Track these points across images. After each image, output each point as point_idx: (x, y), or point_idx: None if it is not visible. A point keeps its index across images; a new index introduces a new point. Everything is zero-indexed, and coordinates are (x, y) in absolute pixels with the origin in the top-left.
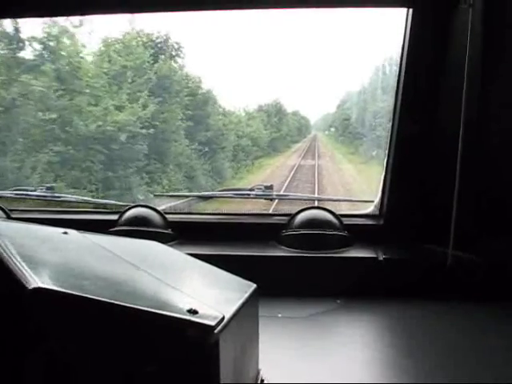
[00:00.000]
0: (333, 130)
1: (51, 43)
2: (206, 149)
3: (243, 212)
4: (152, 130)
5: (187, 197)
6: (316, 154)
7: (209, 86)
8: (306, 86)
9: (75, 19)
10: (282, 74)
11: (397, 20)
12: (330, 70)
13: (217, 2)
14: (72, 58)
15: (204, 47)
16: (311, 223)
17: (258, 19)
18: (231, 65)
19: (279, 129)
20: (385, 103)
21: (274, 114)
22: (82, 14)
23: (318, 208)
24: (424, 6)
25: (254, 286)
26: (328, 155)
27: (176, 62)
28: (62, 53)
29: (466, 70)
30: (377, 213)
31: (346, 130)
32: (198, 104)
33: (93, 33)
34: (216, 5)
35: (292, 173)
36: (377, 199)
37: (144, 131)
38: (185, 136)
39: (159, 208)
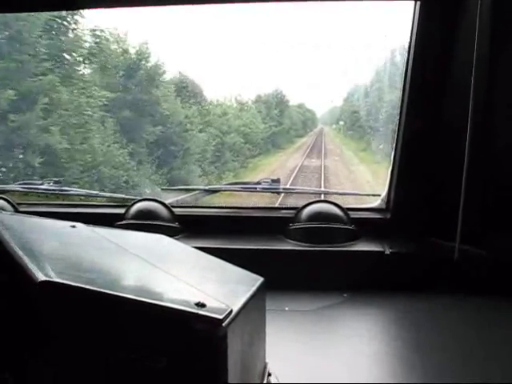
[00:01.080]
0: (342, 123)
1: None
2: (160, 152)
3: (250, 205)
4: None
5: (194, 190)
6: (322, 152)
7: (158, 58)
8: (311, 77)
9: None
10: (286, 64)
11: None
12: (338, 61)
13: None
14: None
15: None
16: (318, 217)
17: (262, 7)
18: (221, 50)
19: (281, 122)
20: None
21: (275, 105)
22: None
23: (324, 202)
24: None
25: (262, 279)
26: (336, 153)
27: None
28: None
29: (474, 63)
30: (384, 207)
31: (355, 123)
32: (141, 84)
33: None
34: None
35: (291, 179)
36: (384, 193)
37: None
38: (114, 133)
39: (166, 201)
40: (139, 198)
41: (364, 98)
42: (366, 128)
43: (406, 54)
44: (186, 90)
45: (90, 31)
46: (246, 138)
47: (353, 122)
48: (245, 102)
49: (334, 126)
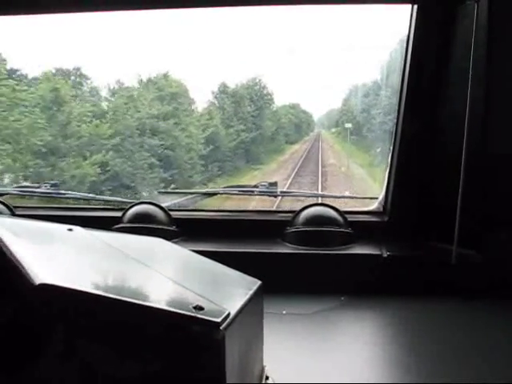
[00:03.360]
0: (349, 125)
1: None
2: None
3: (247, 209)
4: None
5: (191, 193)
6: (320, 175)
7: None
8: (307, 76)
9: None
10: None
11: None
12: (338, 60)
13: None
14: None
15: None
16: (315, 220)
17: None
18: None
19: (258, 125)
20: None
21: (250, 100)
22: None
23: (321, 205)
24: (429, 1)
25: (259, 282)
26: (341, 173)
27: None
28: None
29: (471, 66)
30: (381, 209)
31: (362, 126)
32: None
33: None
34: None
35: None
36: (381, 196)
37: None
38: None
39: (163, 205)
40: (136, 201)
41: (370, 98)
42: (379, 132)
43: (403, 57)
44: None
45: None
46: (158, 153)
47: (358, 126)
48: (167, 81)
49: (334, 129)
